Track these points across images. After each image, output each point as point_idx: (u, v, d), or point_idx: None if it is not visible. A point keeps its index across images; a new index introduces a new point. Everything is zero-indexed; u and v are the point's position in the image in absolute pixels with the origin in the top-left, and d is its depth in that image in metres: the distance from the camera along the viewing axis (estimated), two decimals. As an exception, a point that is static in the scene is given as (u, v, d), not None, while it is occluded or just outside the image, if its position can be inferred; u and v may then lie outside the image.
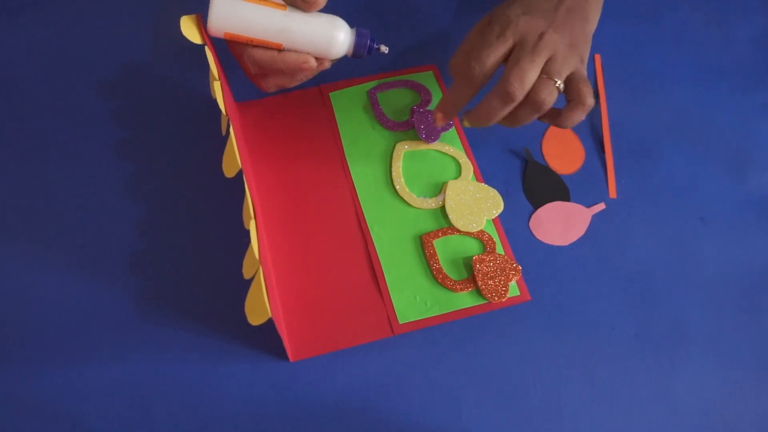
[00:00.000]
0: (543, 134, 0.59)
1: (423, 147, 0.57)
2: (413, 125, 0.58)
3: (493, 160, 0.57)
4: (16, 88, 0.59)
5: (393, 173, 0.56)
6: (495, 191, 0.55)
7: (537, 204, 0.55)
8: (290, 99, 0.59)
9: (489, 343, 0.49)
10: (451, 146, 0.57)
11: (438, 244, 0.53)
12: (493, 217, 0.54)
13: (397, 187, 0.55)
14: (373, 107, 0.59)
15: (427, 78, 0.61)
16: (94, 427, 0.45)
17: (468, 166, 0.56)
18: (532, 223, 0.54)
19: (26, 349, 0.48)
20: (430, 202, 0.54)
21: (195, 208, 0.54)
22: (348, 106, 0.59)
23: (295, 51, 0.47)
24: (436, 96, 0.60)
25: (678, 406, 0.48)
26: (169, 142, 0.57)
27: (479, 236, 0.53)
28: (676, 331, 0.50)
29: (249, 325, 0.48)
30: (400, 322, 0.49)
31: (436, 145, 0.57)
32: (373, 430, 0.46)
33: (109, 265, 0.51)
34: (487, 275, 0.50)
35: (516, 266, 0.51)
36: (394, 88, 0.60)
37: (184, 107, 0.58)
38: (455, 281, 0.51)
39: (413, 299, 0.50)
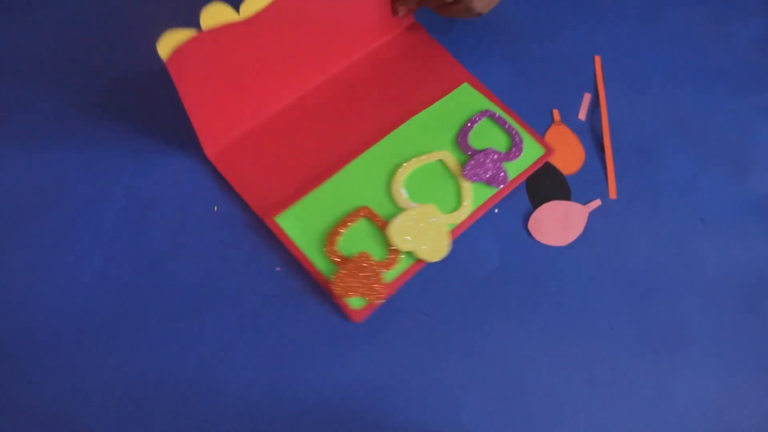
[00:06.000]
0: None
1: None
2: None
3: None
4: (11, 95, 0.58)
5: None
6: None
7: (537, 204, 0.55)
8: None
9: (489, 344, 0.49)
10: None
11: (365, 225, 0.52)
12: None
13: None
14: (468, 127, 0.57)
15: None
16: (92, 429, 0.45)
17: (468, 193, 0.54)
18: (530, 225, 0.54)
19: (21, 352, 0.47)
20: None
21: (192, 209, 0.53)
22: (464, 102, 0.59)
23: None
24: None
25: (678, 406, 0.48)
26: (168, 149, 0.56)
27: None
28: (676, 332, 0.50)
29: (246, 324, 0.48)
30: None
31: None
32: (373, 430, 0.46)
33: (103, 265, 0.50)
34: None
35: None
36: (497, 123, 0.58)
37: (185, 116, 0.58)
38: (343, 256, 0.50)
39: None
